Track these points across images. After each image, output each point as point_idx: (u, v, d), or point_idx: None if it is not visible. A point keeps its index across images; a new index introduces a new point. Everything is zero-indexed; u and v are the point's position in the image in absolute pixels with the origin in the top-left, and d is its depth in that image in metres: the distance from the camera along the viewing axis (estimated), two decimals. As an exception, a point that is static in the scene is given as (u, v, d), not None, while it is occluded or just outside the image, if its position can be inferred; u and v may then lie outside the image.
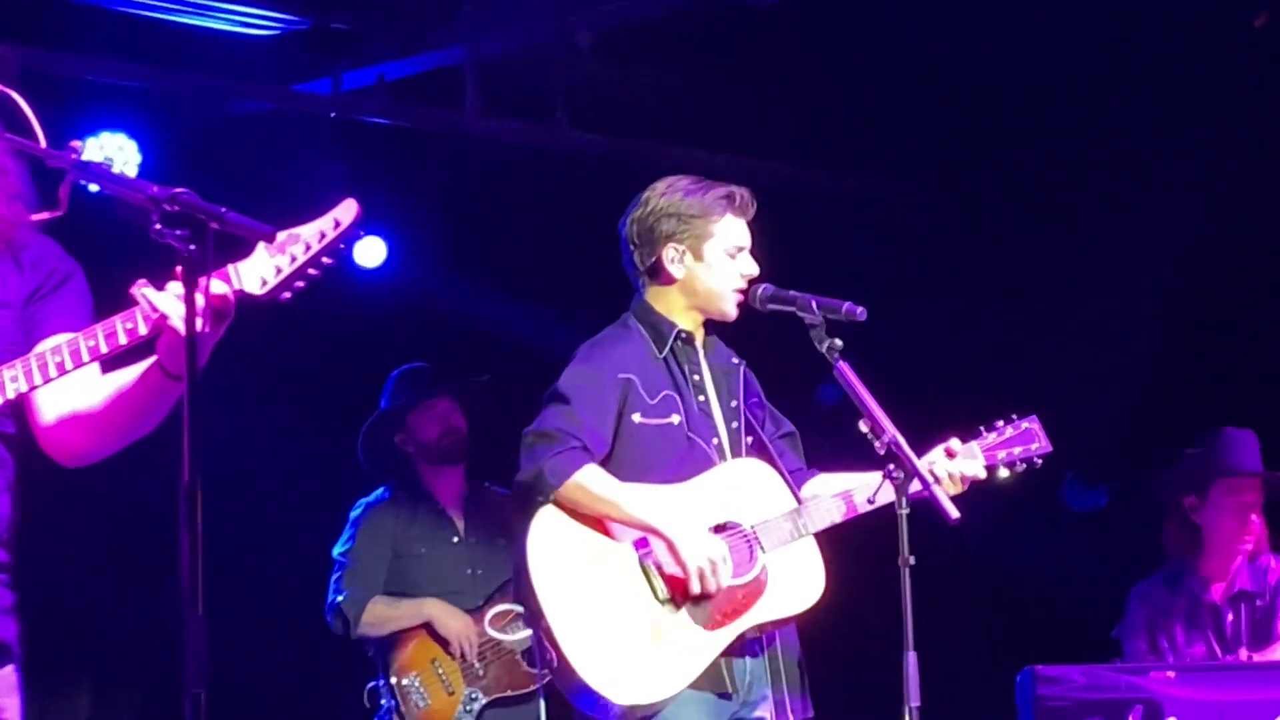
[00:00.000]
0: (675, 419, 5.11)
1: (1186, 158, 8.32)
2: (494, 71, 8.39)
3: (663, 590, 4.97)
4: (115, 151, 7.60)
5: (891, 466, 4.74)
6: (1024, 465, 5.30)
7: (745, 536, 5.06)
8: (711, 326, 5.29)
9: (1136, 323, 8.41)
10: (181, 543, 3.24)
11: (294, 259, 3.61)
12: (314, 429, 8.10)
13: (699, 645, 4.97)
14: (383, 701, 6.83)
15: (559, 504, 4.96)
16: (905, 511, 4.72)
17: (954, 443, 5.18)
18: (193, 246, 3.31)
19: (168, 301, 3.54)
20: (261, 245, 3.57)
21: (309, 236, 3.61)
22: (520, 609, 6.01)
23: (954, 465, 5.15)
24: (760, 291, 5.14)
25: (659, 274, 5.21)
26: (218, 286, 3.58)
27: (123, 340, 3.60)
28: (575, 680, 4.90)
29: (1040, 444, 5.32)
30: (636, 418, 5.08)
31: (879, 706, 5.08)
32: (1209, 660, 6.82)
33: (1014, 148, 8.78)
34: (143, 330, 3.59)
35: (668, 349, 5.17)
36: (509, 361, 7.81)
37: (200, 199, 3.32)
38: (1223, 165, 8.29)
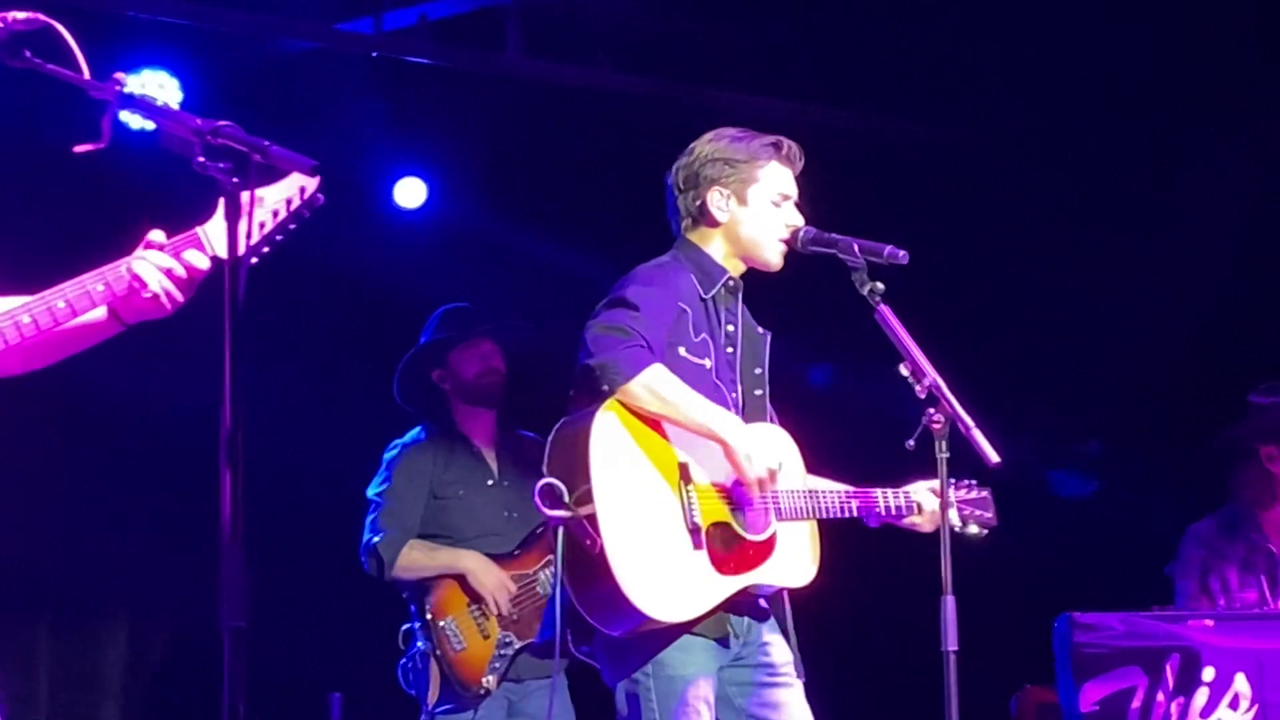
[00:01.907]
0: (707, 363, 5.11)
1: (1246, 106, 8.27)
2: (537, 12, 8.37)
3: (693, 519, 4.95)
4: (156, 89, 7.60)
5: (932, 410, 4.75)
6: (975, 529, 5.32)
7: (763, 497, 5.05)
8: (750, 281, 5.28)
9: (1192, 271, 8.37)
10: (223, 480, 3.24)
11: (262, 225, 3.64)
12: (353, 369, 8.12)
13: (708, 586, 4.95)
14: (419, 644, 6.83)
15: (622, 397, 4.91)
16: (945, 455, 4.74)
17: (936, 483, 5.15)
18: (236, 179, 3.32)
19: (147, 269, 3.58)
20: (224, 208, 3.59)
21: (274, 203, 3.63)
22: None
23: (932, 504, 5.16)
24: (802, 234, 5.15)
25: (704, 218, 5.20)
26: (197, 258, 3.62)
27: (95, 301, 3.66)
28: (603, 576, 4.83)
29: (991, 514, 5.36)
30: (681, 351, 5.06)
31: (916, 650, 5.09)
32: (1259, 606, 6.81)
33: (1063, 94, 8.73)
34: (116, 290, 3.65)
35: (713, 292, 5.17)
36: (548, 303, 7.81)
37: (244, 131, 3.33)
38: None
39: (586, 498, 4.85)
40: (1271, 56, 8.18)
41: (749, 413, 5.17)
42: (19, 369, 3.87)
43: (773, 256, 5.20)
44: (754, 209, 5.17)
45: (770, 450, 5.07)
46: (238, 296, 3.24)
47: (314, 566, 7.99)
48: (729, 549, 4.97)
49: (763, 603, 5.14)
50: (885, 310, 4.89)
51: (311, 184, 3.69)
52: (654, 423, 4.95)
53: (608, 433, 4.90)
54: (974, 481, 5.32)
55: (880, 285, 4.92)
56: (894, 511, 5.18)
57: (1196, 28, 8.16)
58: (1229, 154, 8.27)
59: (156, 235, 3.73)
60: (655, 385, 4.87)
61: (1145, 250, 8.60)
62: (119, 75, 3.52)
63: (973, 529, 5.30)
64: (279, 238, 3.67)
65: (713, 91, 8.52)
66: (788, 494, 5.06)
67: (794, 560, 5.09)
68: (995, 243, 8.98)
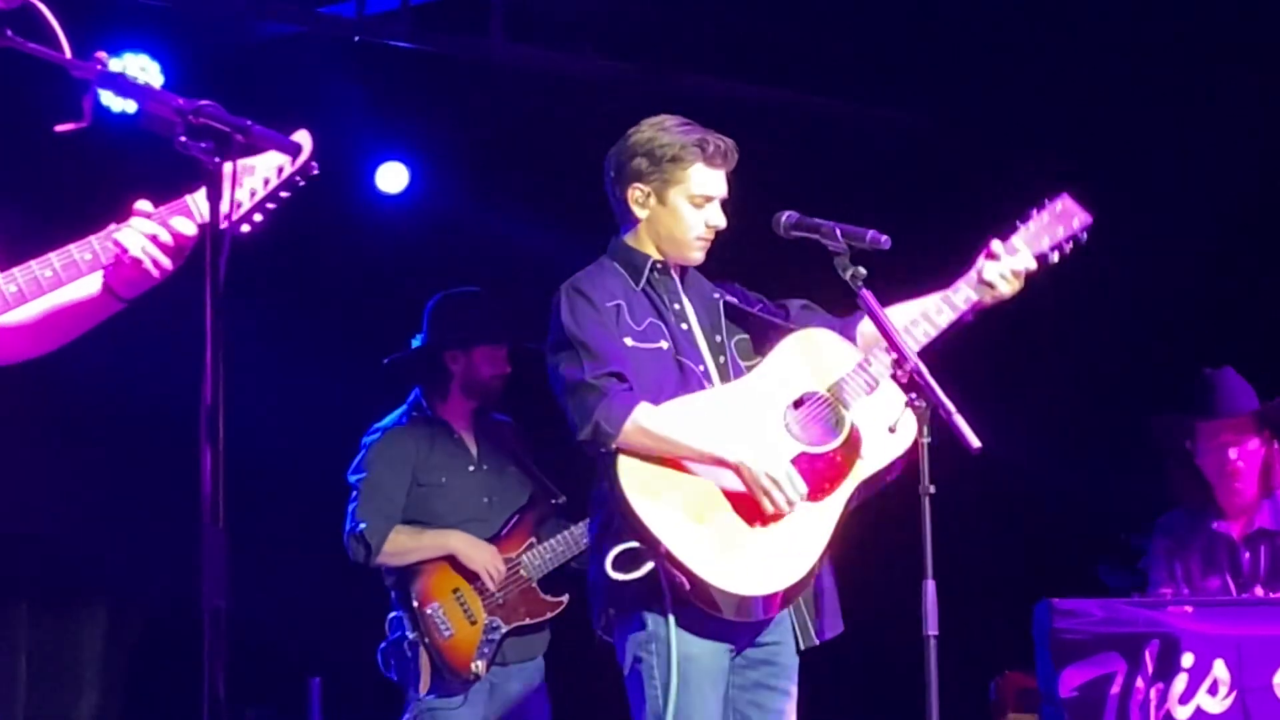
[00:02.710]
0: (664, 344, 5.14)
1: (1216, 99, 8.28)
2: (521, -3, 8.37)
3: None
4: (138, 72, 7.60)
5: (914, 395, 4.75)
6: (1071, 244, 5.25)
7: (825, 402, 5.08)
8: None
9: (1160, 257, 8.38)
10: (203, 458, 3.23)
11: (253, 193, 3.61)
12: (335, 353, 8.11)
13: (816, 519, 4.99)
14: (408, 633, 6.82)
15: (624, 449, 4.97)
16: (927, 440, 4.73)
17: (994, 244, 5.16)
18: (218, 159, 3.30)
19: (132, 237, 3.56)
20: (205, 188, 3.56)
21: (266, 170, 3.59)
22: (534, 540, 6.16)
23: (1003, 265, 5.13)
24: (785, 219, 5.14)
25: (627, 212, 5.26)
26: (184, 225, 3.59)
27: (83, 270, 3.64)
28: (707, 590, 4.90)
29: (1080, 217, 5.26)
30: (629, 341, 5.11)
31: (896, 634, 5.09)
32: (1223, 594, 6.82)
33: (1040, 81, 8.73)
34: (103, 260, 3.63)
35: (644, 281, 5.21)
36: (530, 288, 7.80)
37: (225, 111, 3.32)
38: (1257, 100, 8.25)
39: (656, 543, 4.91)
40: (1242, 44, 8.20)
41: (723, 379, 5.18)
42: (31, 352, 3.87)
43: (692, 254, 5.24)
44: (672, 209, 5.20)
45: (807, 358, 5.11)
46: (218, 274, 3.23)
47: (295, 550, 7.99)
48: (820, 471, 5.02)
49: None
50: (867, 295, 4.88)
51: (304, 151, 3.66)
52: None
53: (637, 481, 4.96)
54: (1044, 201, 5.26)
55: (862, 270, 4.91)
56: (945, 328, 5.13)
57: (1165, 17, 8.18)
58: (1199, 143, 8.28)
59: (143, 204, 3.72)
60: (645, 426, 4.95)
61: (1119, 238, 8.60)
62: (100, 54, 3.51)
63: (1054, 258, 5.24)
64: (271, 205, 3.64)
65: (695, 77, 8.52)
66: (842, 384, 5.06)
67: (886, 430, 5.02)
68: (971, 229, 8.98)
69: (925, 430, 4.73)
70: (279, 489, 7.88)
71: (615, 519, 4.97)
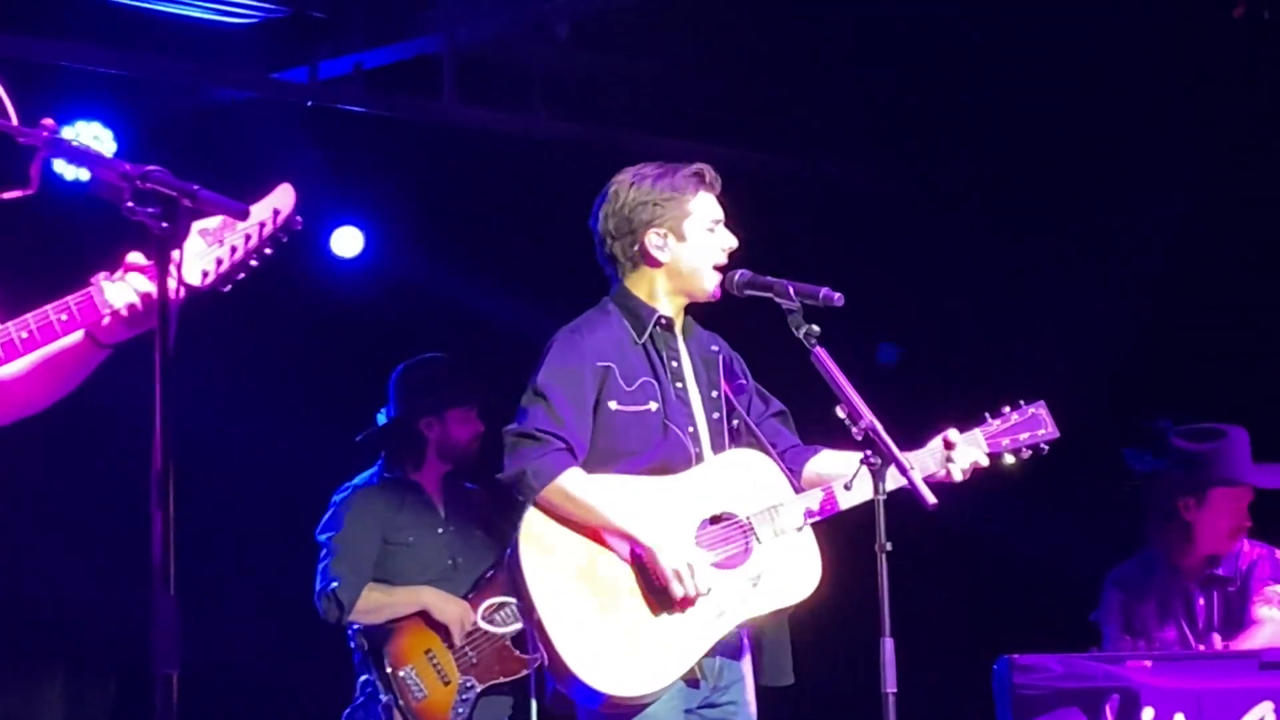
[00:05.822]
0: (653, 406, 5.10)
1: (1168, 143, 8.33)
2: (471, 60, 8.38)
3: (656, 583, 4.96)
4: (91, 140, 7.60)
5: (869, 452, 4.74)
6: (1030, 452, 5.26)
7: (741, 528, 5.05)
8: (692, 311, 5.28)
9: (1113, 305, 8.42)
10: (154, 524, 3.22)
11: (234, 250, 3.57)
12: (291, 415, 8.09)
13: (691, 639, 4.96)
14: (382, 697, 6.80)
15: (540, 505, 4.95)
16: (882, 497, 4.73)
17: (951, 433, 5.13)
18: (165, 224, 3.29)
19: (123, 292, 3.53)
20: (197, 233, 3.54)
21: (247, 227, 3.56)
22: (510, 600, 6.19)
23: (955, 454, 5.10)
24: (738, 277, 5.13)
25: (643, 260, 5.20)
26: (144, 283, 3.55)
27: (57, 331, 3.60)
28: (567, 673, 4.90)
29: (1047, 430, 5.28)
30: (613, 405, 5.07)
31: (855, 692, 5.08)
32: (1180, 644, 6.83)
33: (992, 134, 8.78)
34: (80, 320, 3.60)
35: (646, 335, 5.16)
36: (486, 350, 7.80)
37: (173, 176, 3.31)
38: (1204, 151, 8.31)
39: (531, 607, 4.91)
40: (1183, 104, 8.27)
41: (714, 439, 5.17)
42: (26, 409, 3.83)
43: (709, 285, 5.18)
44: (692, 242, 5.17)
45: (741, 479, 5.08)
46: (168, 339, 3.22)
47: (254, 614, 7.96)
48: (707, 596, 4.95)
49: (745, 640, 5.13)
50: (821, 353, 4.87)
51: (287, 207, 3.63)
52: None
53: (535, 539, 4.96)
54: (1019, 403, 5.26)
55: (816, 328, 4.90)
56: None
57: (1108, 74, 8.24)
58: (1152, 195, 8.34)
59: (135, 257, 3.67)
60: (569, 490, 4.93)
61: (1066, 292, 8.66)
62: (47, 121, 3.49)
63: (1008, 459, 5.23)
64: (253, 263, 3.61)
65: (647, 137, 8.54)
66: (763, 516, 5.04)
67: (788, 577, 5.04)
68: (925, 282, 9.03)
69: (880, 487, 4.73)
70: (234, 552, 7.85)
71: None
